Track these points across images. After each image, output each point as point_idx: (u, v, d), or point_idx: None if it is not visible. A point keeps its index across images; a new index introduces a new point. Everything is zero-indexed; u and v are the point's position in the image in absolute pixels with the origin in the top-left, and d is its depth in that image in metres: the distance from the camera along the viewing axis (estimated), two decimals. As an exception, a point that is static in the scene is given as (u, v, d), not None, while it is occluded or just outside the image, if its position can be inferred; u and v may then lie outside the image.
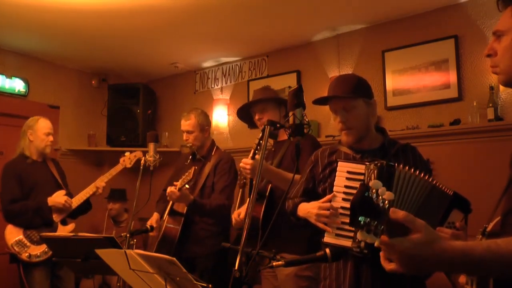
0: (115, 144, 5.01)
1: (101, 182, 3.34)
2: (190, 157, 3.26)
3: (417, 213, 1.57)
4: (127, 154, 3.35)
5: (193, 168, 2.87)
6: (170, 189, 2.79)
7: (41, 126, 3.30)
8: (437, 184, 1.66)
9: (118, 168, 3.35)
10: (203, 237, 3.00)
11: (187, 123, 3.12)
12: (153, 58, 4.86)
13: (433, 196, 1.64)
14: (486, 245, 0.95)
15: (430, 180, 1.65)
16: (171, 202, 3.07)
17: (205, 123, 3.16)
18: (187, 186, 2.80)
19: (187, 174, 2.81)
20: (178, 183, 2.79)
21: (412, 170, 1.65)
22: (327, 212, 1.72)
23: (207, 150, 3.17)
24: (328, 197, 1.78)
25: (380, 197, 0.92)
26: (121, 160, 3.35)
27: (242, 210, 2.62)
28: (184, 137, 3.15)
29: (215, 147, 3.21)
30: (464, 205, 1.66)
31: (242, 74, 4.83)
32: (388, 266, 0.99)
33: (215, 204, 2.93)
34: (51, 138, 3.33)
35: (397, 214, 0.95)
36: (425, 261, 0.94)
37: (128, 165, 3.33)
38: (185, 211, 3.00)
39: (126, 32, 4.09)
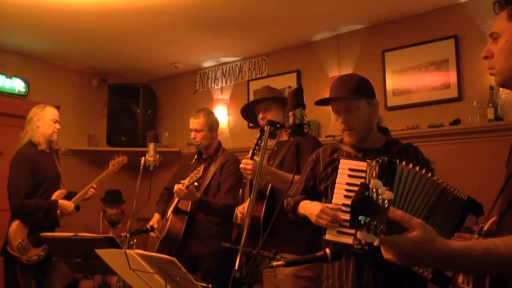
0: (115, 144, 5.00)
1: (93, 186, 3.32)
2: (196, 156, 3.28)
3: (428, 215, 1.58)
4: (115, 157, 3.45)
5: (202, 166, 2.89)
6: (177, 186, 2.80)
7: (49, 113, 3.25)
8: (448, 187, 1.65)
9: (109, 172, 3.43)
10: (205, 236, 3.00)
11: (196, 121, 3.13)
12: (153, 58, 4.86)
13: (445, 199, 1.63)
14: (485, 246, 0.95)
15: (440, 181, 1.65)
16: (175, 201, 3.08)
17: (213, 124, 3.19)
18: (195, 183, 2.80)
19: (195, 172, 2.81)
20: (186, 181, 2.80)
21: (417, 168, 1.64)
22: (329, 218, 1.72)
23: (214, 150, 3.19)
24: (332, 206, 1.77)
25: (380, 196, 0.91)
26: (111, 164, 3.44)
27: (247, 205, 2.60)
28: (192, 136, 3.16)
29: (222, 148, 3.23)
30: (478, 209, 1.66)
31: (242, 74, 4.83)
32: (387, 255, 0.99)
33: (221, 203, 2.94)
34: (58, 126, 3.29)
35: (395, 213, 0.95)
36: (422, 258, 0.95)
37: (116, 170, 3.44)
38: (189, 209, 3.01)
39: (126, 32, 4.09)
